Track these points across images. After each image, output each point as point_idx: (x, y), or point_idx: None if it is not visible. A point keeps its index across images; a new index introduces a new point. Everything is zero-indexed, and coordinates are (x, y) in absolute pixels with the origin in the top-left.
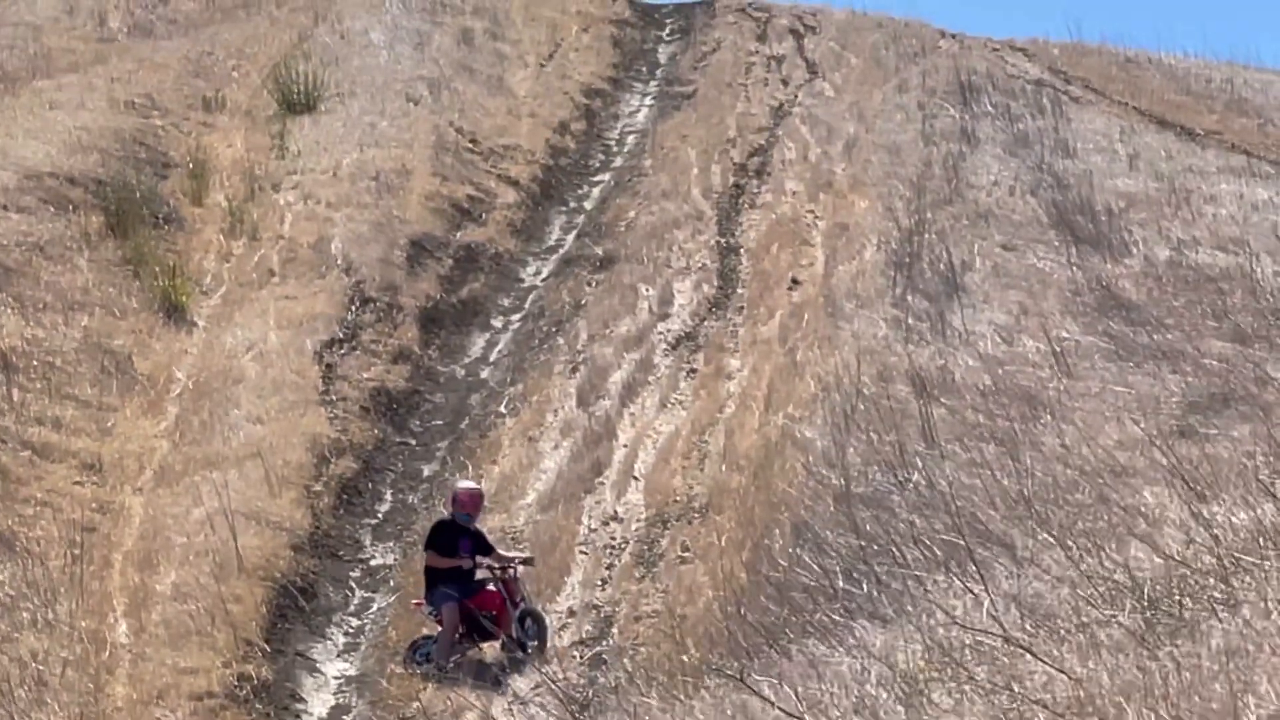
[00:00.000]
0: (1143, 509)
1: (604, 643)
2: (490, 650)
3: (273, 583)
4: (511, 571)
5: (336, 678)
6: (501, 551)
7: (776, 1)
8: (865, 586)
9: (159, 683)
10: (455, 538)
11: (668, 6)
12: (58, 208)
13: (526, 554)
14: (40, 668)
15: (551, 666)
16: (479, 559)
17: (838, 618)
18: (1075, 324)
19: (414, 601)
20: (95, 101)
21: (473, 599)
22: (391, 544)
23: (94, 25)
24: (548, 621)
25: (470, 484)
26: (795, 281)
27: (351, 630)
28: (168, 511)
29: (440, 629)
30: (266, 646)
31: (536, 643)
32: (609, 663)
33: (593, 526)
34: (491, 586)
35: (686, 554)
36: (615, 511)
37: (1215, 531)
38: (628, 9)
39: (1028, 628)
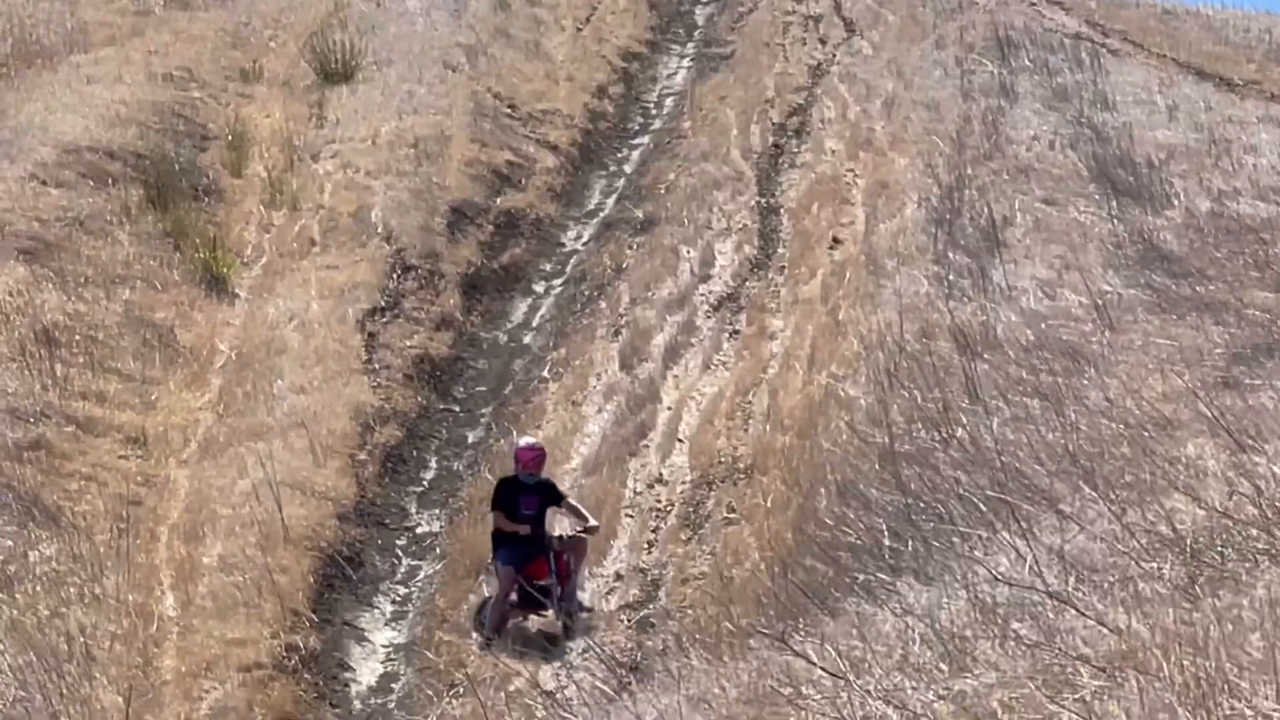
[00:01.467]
0: (1186, 461)
1: (651, 606)
2: (538, 620)
3: (319, 552)
4: (565, 539)
5: (385, 646)
6: (573, 502)
7: None
8: (910, 544)
9: (207, 654)
10: (517, 495)
11: None
12: (97, 182)
13: (591, 522)
14: (89, 642)
15: (599, 631)
16: (549, 532)
17: (883, 576)
18: (1117, 277)
19: (489, 562)
20: (133, 75)
21: (529, 566)
22: (437, 511)
23: None
24: (581, 604)
25: (530, 440)
26: (836, 240)
27: (399, 599)
28: (213, 483)
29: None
30: (314, 616)
31: (569, 621)
32: (656, 626)
33: (638, 490)
34: (549, 553)
35: (732, 515)
36: (660, 474)
37: (1258, 482)
38: None
39: (1071, 582)
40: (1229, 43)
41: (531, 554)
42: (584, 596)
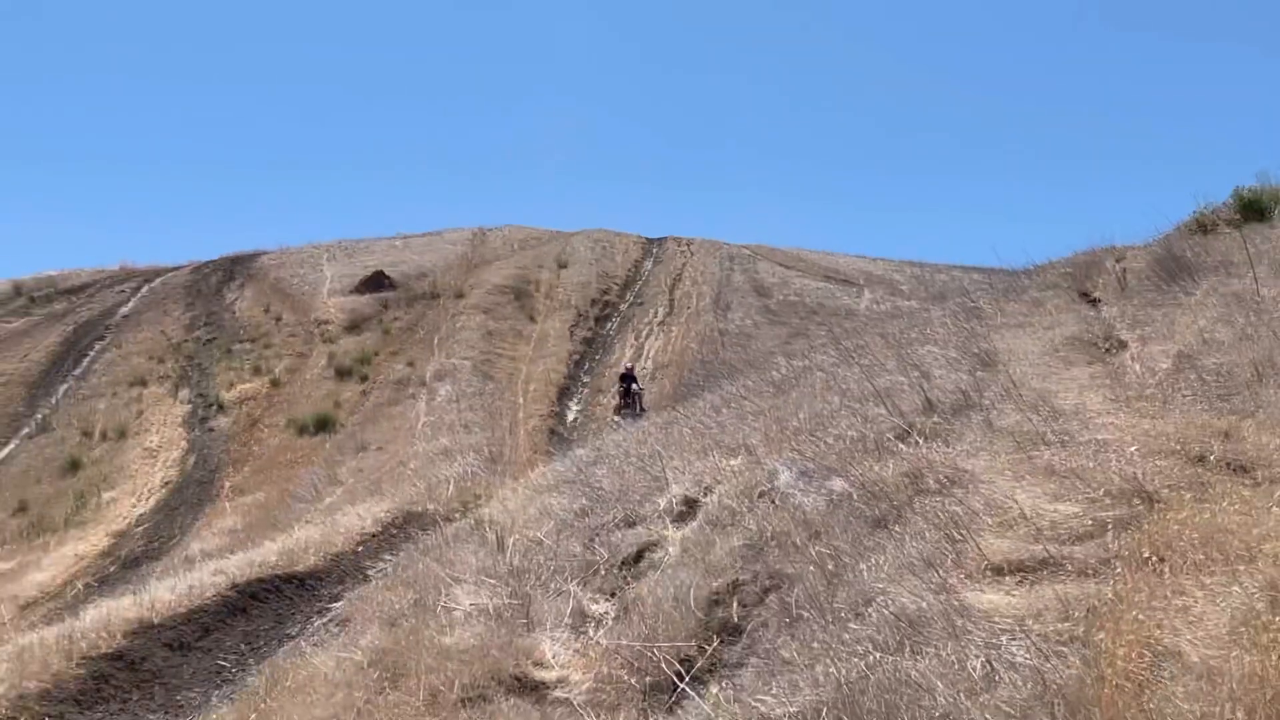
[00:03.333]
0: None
1: (644, 402)
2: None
3: (557, 388)
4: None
5: (575, 411)
6: (638, 384)
7: (683, 235)
8: (708, 384)
9: (534, 414)
10: (627, 380)
11: (656, 238)
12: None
13: (642, 389)
14: (527, 412)
15: (637, 413)
16: (632, 388)
17: (701, 393)
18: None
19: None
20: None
21: (624, 399)
22: (588, 379)
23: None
24: (644, 410)
25: (629, 363)
26: (689, 321)
27: (578, 403)
28: (533, 370)
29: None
30: (556, 405)
31: (635, 417)
32: (646, 410)
33: (639, 373)
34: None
35: (663, 379)
36: (645, 368)
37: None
38: (644, 240)
39: (750, 388)
40: (803, 260)
41: (626, 392)
42: (646, 407)
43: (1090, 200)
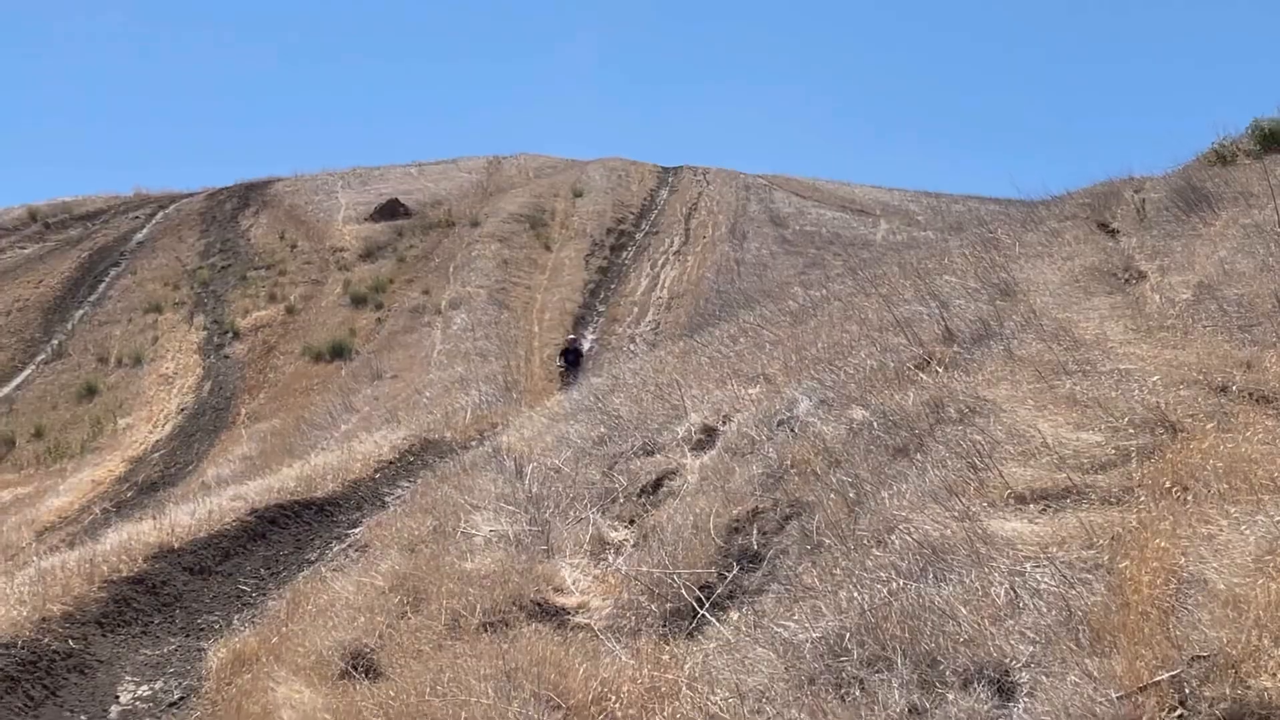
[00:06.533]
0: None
1: (657, 327)
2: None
3: (572, 316)
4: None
5: (590, 340)
6: (582, 352)
7: (699, 164)
8: (724, 313)
9: (549, 343)
10: (572, 350)
11: (671, 167)
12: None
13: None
14: (516, 337)
15: (639, 329)
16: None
17: (717, 322)
18: (778, 250)
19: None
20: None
21: (570, 364)
22: (602, 309)
23: None
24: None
25: (573, 337)
26: (706, 253)
27: (593, 332)
28: (548, 299)
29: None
30: (573, 331)
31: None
32: (659, 336)
33: (653, 300)
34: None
35: (678, 308)
36: (660, 297)
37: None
38: (660, 169)
39: (765, 316)
40: (819, 190)
41: (570, 362)
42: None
43: (1108, 133)
